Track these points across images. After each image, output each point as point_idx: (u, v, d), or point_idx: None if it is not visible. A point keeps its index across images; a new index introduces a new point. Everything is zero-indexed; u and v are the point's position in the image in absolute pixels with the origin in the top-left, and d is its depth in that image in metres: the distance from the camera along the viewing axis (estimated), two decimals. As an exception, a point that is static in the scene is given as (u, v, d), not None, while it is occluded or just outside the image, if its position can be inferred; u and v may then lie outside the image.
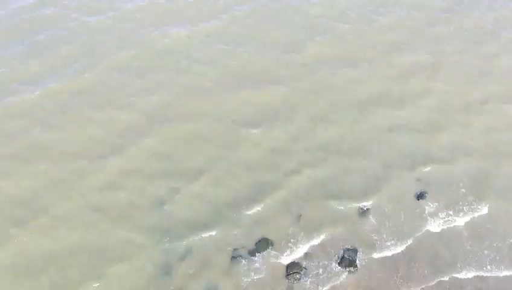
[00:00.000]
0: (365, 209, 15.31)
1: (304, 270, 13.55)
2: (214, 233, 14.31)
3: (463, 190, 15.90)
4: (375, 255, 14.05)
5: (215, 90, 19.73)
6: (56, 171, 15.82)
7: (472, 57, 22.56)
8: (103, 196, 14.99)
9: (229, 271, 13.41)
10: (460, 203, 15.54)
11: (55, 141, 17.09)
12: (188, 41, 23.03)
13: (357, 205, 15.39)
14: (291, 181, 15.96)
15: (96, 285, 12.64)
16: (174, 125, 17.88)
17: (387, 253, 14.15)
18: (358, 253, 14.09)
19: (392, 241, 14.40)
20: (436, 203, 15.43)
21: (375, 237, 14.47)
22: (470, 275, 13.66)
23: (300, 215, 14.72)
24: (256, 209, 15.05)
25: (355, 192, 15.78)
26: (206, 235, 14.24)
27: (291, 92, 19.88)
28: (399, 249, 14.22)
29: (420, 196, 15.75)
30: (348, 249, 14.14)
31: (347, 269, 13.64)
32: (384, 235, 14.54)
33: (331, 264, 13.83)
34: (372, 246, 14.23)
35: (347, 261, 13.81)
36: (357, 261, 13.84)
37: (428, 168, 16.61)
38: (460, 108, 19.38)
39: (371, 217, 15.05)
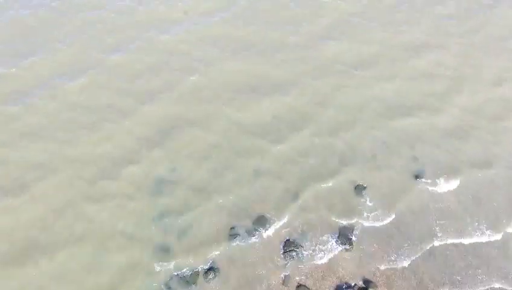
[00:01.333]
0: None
1: (300, 247, 13.79)
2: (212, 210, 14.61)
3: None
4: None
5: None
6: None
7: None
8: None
9: (226, 249, 13.68)
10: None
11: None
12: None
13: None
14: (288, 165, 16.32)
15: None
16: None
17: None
18: (354, 230, 14.30)
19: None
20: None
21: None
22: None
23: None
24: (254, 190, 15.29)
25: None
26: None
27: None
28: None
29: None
30: (344, 227, 14.32)
31: (343, 247, 13.86)
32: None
33: (327, 241, 14.03)
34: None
35: (343, 238, 14.02)
36: (353, 239, 14.05)
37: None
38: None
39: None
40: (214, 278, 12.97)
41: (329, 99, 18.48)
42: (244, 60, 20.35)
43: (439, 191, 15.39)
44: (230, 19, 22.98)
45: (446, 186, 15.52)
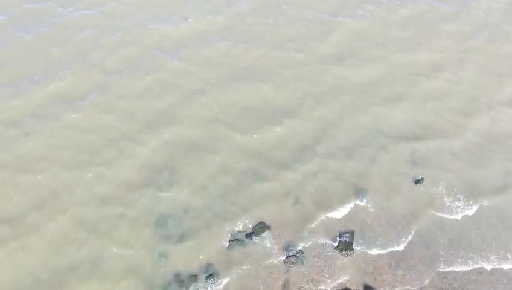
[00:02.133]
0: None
1: (301, 253, 13.67)
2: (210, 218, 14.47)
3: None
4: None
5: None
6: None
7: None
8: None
9: (226, 255, 13.53)
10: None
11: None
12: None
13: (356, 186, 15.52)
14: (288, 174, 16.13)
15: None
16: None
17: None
18: (354, 236, 14.16)
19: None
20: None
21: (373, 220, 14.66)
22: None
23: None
24: (254, 197, 15.15)
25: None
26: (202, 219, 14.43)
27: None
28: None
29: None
30: (345, 233, 14.21)
31: (343, 252, 13.75)
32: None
33: (328, 247, 13.92)
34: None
35: (343, 244, 13.94)
36: (354, 244, 13.94)
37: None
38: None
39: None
40: (213, 283, 12.85)
41: (339, 122, 17.78)
42: (247, 83, 19.47)
43: (453, 217, 14.93)
44: (232, 39, 21.97)
45: (462, 212, 15.10)
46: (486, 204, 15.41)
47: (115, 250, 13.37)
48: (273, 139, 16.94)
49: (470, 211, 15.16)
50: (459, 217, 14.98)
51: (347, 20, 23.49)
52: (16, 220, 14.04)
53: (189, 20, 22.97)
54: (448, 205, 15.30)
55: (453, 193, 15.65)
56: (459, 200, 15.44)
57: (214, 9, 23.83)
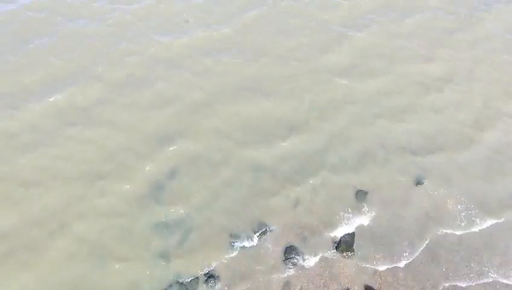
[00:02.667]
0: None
1: (302, 254, 13.71)
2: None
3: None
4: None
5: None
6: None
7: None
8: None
9: (226, 255, 13.56)
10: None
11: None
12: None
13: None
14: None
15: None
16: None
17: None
18: (355, 237, 14.23)
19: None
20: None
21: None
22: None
23: None
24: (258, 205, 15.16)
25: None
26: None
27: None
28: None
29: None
30: (346, 233, 14.26)
31: (344, 253, 13.79)
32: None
33: (329, 248, 13.97)
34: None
35: (344, 245, 13.95)
36: (354, 246, 13.98)
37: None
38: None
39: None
40: (214, 285, 12.85)
41: (344, 134, 17.67)
42: (252, 94, 19.29)
43: (461, 232, 14.88)
44: (236, 50, 21.74)
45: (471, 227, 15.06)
46: (495, 220, 15.25)
47: (117, 266, 13.08)
48: (278, 152, 16.71)
49: (479, 226, 15.01)
50: (467, 231, 14.84)
51: (353, 31, 23.39)
52: (13, 235, 13.61)
53: (192, 29, 22.90)
54: (456, 219, 15.11)
55: (460, 207, 15.47)
56: (468, 214, 15.25)
57: (218, 19, 23.71)
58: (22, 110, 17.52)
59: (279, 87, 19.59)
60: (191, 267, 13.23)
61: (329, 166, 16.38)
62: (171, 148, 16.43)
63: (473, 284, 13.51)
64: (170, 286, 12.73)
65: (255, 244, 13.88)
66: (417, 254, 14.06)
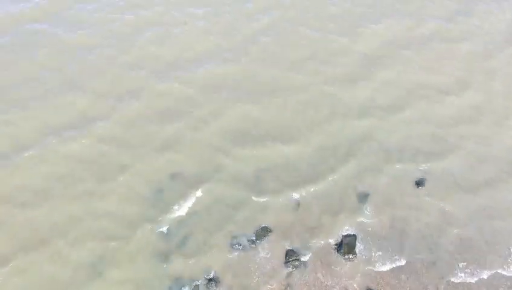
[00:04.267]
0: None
1: (303, 257, 13.58)
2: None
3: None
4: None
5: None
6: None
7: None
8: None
9: (227, 259, 13.47)
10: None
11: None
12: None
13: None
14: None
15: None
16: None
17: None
18: (356, 239, 14.15)
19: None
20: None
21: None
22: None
23: None
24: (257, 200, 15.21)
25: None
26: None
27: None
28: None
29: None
30: (347, 236, 14.18)
31: (346, 256, 13.69)
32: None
33: (330, 250, 13.88)
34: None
35: (346, 247, 13.86)
36: (356, 248, 13.90)
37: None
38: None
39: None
40: (215, 289, 12.70)
41: (344, 145, 17.44)
42: (251, 105, 18.88)
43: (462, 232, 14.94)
44: (235, 61, 21.32)
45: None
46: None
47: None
48: (278, 159, 16.56)
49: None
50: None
51: (355, 41, 23.23)
52: (6, 259, 13.09)
53: (190, 38, 22.58)
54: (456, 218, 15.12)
55: (461, 209, 15.44)
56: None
57: (216, 30, 23.51)
58: (16, 127, 16.77)
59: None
60: (191, 271, 13.09)
61: (328, 170, 16.26)
62: (167, 163, 15.94)
63: (474, 280, 13.52)
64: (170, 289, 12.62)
65: (255, 247, 13.78)
66: (418, 250, 14.07)
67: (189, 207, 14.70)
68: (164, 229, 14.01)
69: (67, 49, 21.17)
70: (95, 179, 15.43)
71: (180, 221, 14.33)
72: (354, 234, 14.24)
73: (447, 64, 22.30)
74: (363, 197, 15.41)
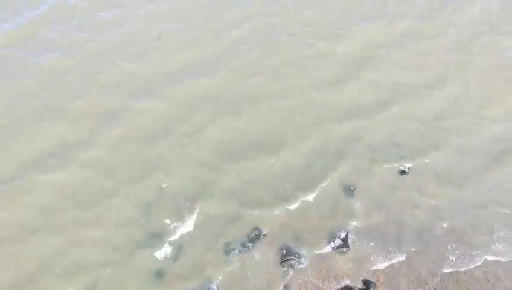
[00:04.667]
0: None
1: (297, 255, 13.70)
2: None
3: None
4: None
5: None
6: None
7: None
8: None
9: (223, 266, 13.46)
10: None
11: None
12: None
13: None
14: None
15: None
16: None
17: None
18: (348, 232, 14.39)
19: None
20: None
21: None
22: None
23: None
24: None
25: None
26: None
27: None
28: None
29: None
30: (339, 230, 14.41)
31: (338, 248, 13.91)
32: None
33: (323, 245, 14.06)
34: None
35: (338, 241, 14.10)
36: (350, 244, 14.11)
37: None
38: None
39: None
40: None
41: (329, 148, 17.58)
42: (233, 118, 18.74)
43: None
44: (215, 72, 21.16)
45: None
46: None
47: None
48: (268, 169, 16.50)
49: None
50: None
51: (335, 44, 23.61)
52: None
53: (167, 53, 22.27)
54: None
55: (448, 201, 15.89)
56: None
57: (193, 42, 23.34)
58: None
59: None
60: (187, 279, 13.02)
61: (318, 175, 16.37)
62: (156, 187, 15.47)
63: (467, 268, 13.87)
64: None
65: (250, 252, 13.81)
66: (410, 242, 14.39)
67: (181, 226, 14.51)
68: (157, 251, 13.76)
69: (41, 73, 20.50)
70: (80, 208, 14.91)
71: (173, 241, 14.13)
72: (345, 229, 14.47)
73: (425, 60, 22.98)
74: (354, 197, 15.64)
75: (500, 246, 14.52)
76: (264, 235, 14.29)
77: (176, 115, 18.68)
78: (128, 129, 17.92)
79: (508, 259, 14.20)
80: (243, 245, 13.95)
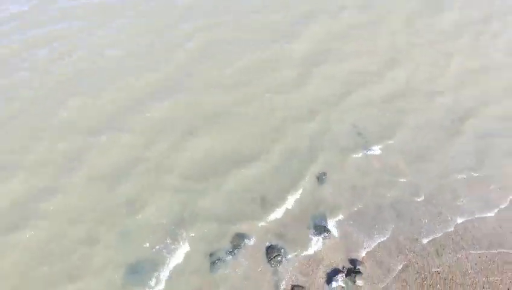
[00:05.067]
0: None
1: (283, 250, 13.91)
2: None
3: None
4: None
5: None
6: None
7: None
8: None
9: (210, 276, 13.35)
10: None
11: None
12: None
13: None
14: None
15: None
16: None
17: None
18: (326, 217, 14.87)
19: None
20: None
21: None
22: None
23: None
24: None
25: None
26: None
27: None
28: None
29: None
30: (317, 217, 14.85)
31: (321, 236, 14.28)
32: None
33: (306, 236, 14.39)
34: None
35: (319, 228, 14.48)
36: (331, 229, 14.55)
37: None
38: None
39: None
40: None
41: (314, 146, 18.05)
42: (204, 134, 18.64)
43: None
44: (175, 93, 20.96)
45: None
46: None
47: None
48: (245, 182, 16.46)
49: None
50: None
51: (288, 45, 24.34)
52: None
53: (122, 80, 21.70)
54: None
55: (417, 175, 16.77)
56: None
57: (147, 65, 23.09)
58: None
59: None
60: None
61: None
62: (145, 218, 14.94)
63: (440, 233, 14.63)
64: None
65: (236, 257, 13.83)
66: (389, 220, 15.00)
67: (170, 258, 14.00)
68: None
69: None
70: (50, 262, 13.78)
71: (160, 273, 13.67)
72: (323, 214, 14.95)
73: (373, 46, 24.20)
74: (330, 187, 16.13)
75: (466, 207, 15.46)
76: (247, 237, 14.39)
77: (141, 145, 17.96)
78: (93, 172, 16.81)
79: (476, 216, 15.20)
80: (228, 252, 13.95)
